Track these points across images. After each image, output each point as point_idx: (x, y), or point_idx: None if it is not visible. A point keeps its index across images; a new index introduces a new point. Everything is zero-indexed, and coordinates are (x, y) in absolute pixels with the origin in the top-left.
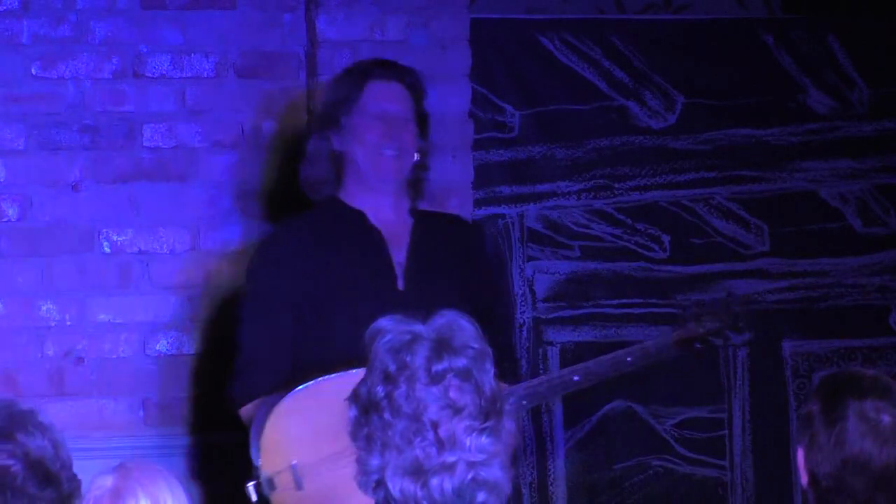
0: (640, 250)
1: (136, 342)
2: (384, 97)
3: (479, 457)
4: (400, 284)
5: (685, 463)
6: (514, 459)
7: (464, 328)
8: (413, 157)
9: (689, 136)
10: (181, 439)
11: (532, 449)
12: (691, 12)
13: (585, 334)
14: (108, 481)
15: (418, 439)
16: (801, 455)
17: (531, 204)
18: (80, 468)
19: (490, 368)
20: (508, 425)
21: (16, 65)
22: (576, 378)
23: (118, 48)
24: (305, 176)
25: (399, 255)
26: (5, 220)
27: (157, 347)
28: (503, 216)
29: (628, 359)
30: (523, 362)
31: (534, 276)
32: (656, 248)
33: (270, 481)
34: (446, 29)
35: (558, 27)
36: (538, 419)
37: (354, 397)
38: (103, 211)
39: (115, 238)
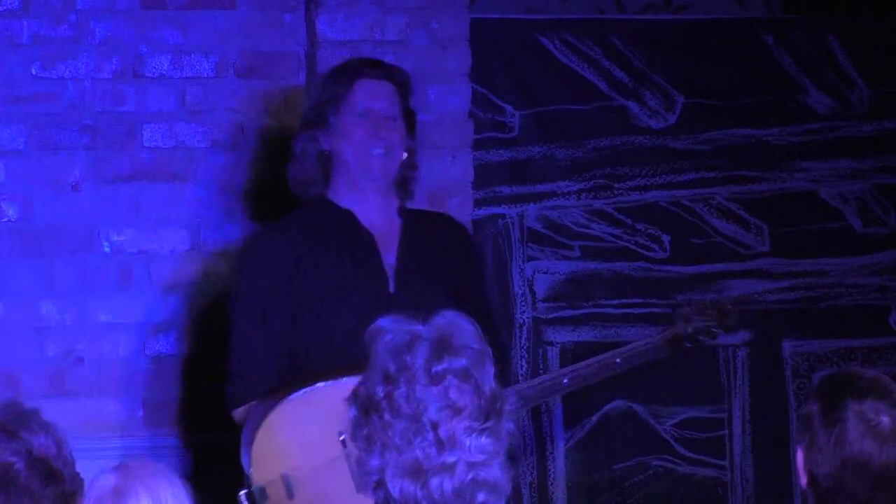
0: (640, 250)
1: (135, 342)
2: (372, 95)
3: (479, 457)
4: (391, 287)
5: (685, 463)
6: (514, 460)
7: (464, 328)
8: (401, 155)
9: (689, 136)
10: (181, 439)
11: (532, 449)
12: (691, 12)
13: (585, 334)
14: (109, 480)
15: (418, 440)
16: (800, 456)
17: (531, 204)
18: (80, 468)
19: (490, 369)
20: (508, 426)
21: (16, 65)
22: (565, 381)
23: (118, 48)
24: (293, 175)
25: (389, 258)
26: (5, 220)
27: (157, 348)
28: (503, 216)
29: (617, 360)
30: (523, 362)
31: (534, 276)
32: (656, 248)
33: (262, 491)
34: (446, 29)
35: (558, 27)
36: (538, 419)
37: (354, 397)
38: (103, 211)
39: (115, 238)
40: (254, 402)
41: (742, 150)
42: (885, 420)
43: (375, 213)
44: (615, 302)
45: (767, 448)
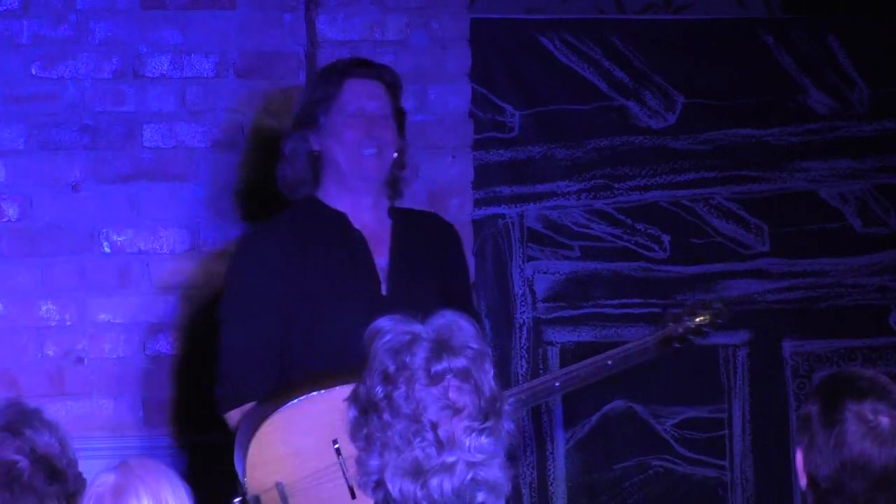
0: (640, 250)
1: (135, 342)
2: (363, 95)
3: (479, 457)
4: (384, 289)
5: (685, 463)
6: (514, 460)
7: (463, 329)
8: (392, 154)
9: (689, 136)
10: (181, 439)
11: (532, 449)
12: (691, 12)
13: (585, 334)
14: (109, 479)
15: (418, 440)
16: (799, 457)
17: (531, 204)
18: (81, 468)
19: (490, 369)
20: (508, 426)
21: (16, 65)
22: (556, 384)
23: (118, 48)
24: (283, 175)
25: (381, 260)
26: (5, 220)
27: (157, 347)
28: (503, 216)
29: (608, 362)
30: (523, 362)
31: (534, 276)
32: (656, 248)
33: (257, 499)
34: (446, 29)
35: (558, 27)
36: (538, 419)
37: (353, 398)
38: (103, 211)
39: (115, 238)
40: (247, 408)
41: (742, 150)
42: (885, 421)
43: (367, 213)
44: (615, 302)
45: (767, 448)
